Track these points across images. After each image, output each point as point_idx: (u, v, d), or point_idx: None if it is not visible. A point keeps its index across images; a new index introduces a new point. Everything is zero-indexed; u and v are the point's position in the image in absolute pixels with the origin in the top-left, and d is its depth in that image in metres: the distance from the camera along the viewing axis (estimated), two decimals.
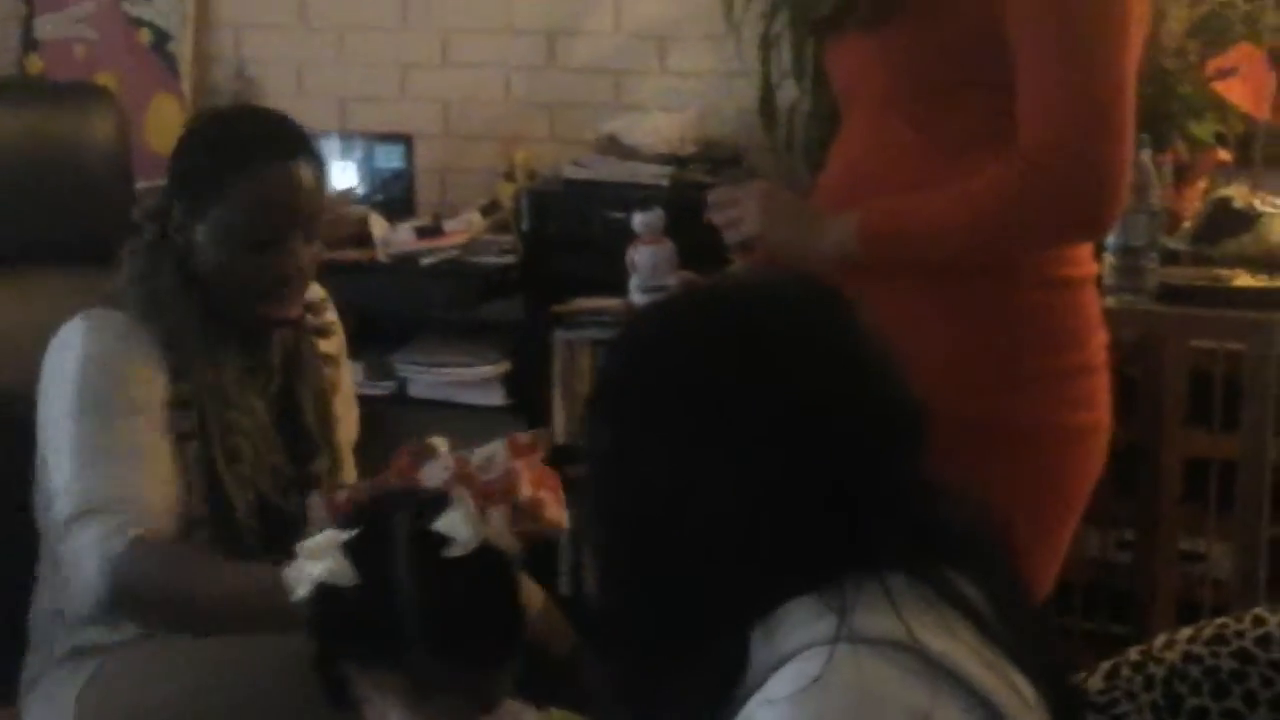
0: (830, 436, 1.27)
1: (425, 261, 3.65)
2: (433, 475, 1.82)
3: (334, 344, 2.34)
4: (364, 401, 3.73)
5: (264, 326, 2.15)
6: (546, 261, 3.60)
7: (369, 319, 3.85)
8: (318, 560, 1.57)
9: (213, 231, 2.09)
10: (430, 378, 3.74)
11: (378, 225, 3.73)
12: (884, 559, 1.26)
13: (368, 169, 4.03)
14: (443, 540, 1.56)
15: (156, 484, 2.01)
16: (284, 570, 1.70)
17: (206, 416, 2.07)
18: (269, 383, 2.18)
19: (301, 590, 1.59)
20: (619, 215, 3.47)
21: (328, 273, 3.61)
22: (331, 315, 2.35)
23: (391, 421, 3.87)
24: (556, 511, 1.85)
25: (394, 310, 3.81)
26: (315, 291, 2.31)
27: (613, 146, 3.64)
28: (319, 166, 2.15)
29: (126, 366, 2.07)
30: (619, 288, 3.52)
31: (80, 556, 1.96)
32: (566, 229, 3.57)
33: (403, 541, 1.56)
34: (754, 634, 1.24)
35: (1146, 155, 2.75)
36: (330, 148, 4.06)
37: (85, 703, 2.11)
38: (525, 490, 1.81)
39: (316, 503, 1.97)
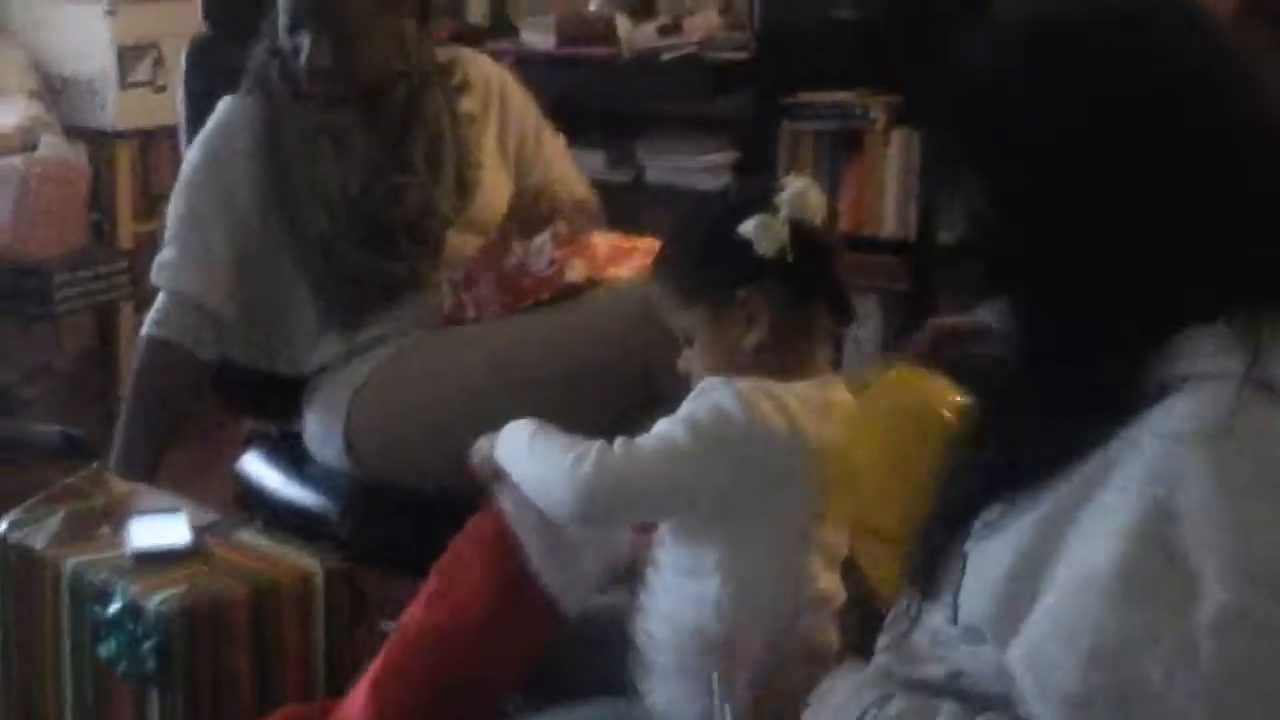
0: (1233, 131, 1.14)
1: (665, 58, 3.76)
2: (508, 263, 2.32)
3: (476, 100, 2.52)
4: (606, 187, 3.89)
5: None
6: (776, 57, 3.68)
7: (613, 111, 3.99)
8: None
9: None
10: (666, 165, 3.87)
11: (622, 24, 3.85)
12: None
13: None
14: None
15: (208, 280, 2.38)
16: None
17: (292, 163, 2.36)
18: (388, 124, 2.40)
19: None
20: (846, 13, 3.55)
21: (576, 68, 3.80)
22: (477, 77, 2.54)
23: (631, 205, 4.03)
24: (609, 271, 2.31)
25: (635, 104, 3.94)
26: (451, 54, 2.54)
27: None
28: None
29: (221, 157, 2.39)
30: (844, 82, 3.62)
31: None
32: (796, 26, 3.64)
33: None
34: (1150, 353, 1.13)
35: None
36: None
37: (360, 401, 2.34)
38: (570, 274, 2.29)
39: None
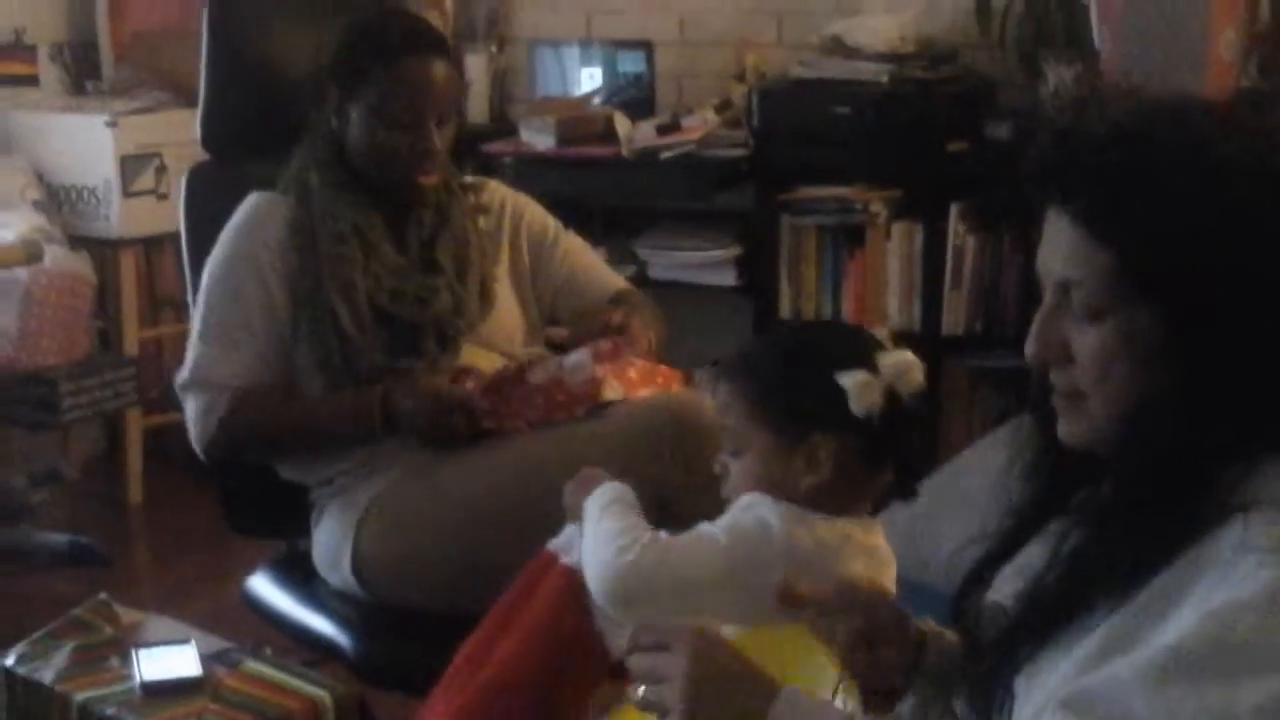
0: None
1: (664, 156, 3.74)
2: (536, 377, 2.24)
3: (491, 222, 2.53)
4: None
5: (406, 188, 2.39)
6: (774, 154, 3.67)
7: (614, 209, 3.98)
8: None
9: (362, 111, 2.36)
10: (669, 261, 3.85)
11: (621, 124, 3.84)
12: None
13: (611, 74, 4.13)
14: None
15: (252, 365, 2.32)
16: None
17: (322, 264, 2.32)
18: (417, 231, 2.41)
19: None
20: (842, 110, 3.53)
21: (576, 167, 3.79)
22: (494, 200, 2.54)
23: None
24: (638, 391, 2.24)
25: (636, 200, 3.94)
26: (485, 181, 2.59)
27: (836, 47, 3.68)
28: (449, 64, 2.41)
29: (253, 247, 2.35)
30: (841, 177, 3.61)
31: (188, 421, 2.36)
32: (793, 123, 3.62)
33: None
34: (1227, 474, 1.17)
35: None
36: (576, 55, 4.18)
37: (368, 525, 2.27)
38: (608, 393, 2.22)
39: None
